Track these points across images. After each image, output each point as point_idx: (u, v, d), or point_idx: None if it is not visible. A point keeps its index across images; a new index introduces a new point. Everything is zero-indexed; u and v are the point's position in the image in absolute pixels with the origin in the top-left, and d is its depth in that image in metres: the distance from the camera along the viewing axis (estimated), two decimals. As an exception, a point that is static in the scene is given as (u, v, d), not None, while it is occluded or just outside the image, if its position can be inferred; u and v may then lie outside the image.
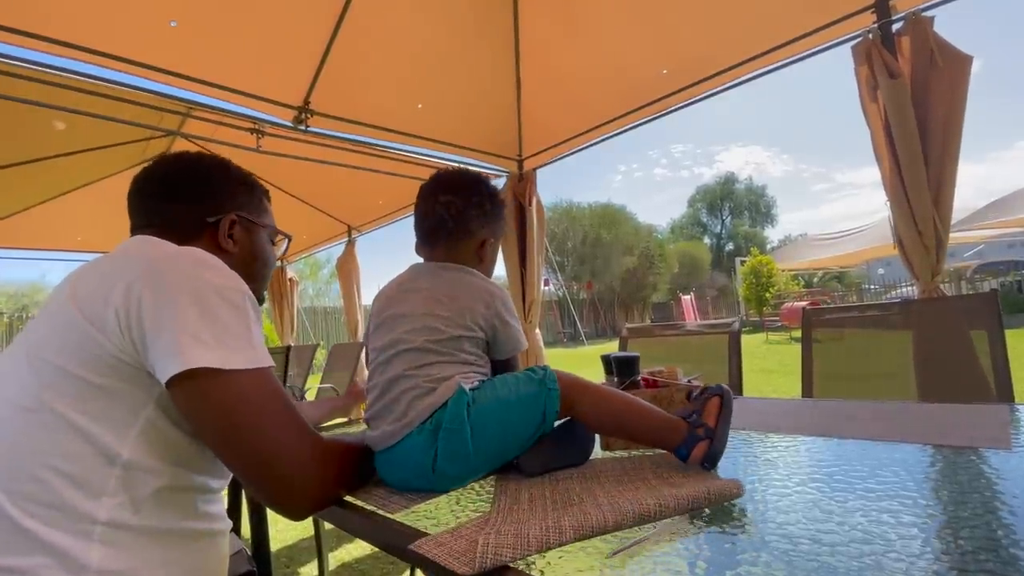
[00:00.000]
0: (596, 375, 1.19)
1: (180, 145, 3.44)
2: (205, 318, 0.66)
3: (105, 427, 0.65)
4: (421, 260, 1.07)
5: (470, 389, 0.83)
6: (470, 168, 1.14)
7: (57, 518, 0.61)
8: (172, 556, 0.69)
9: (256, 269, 0.96)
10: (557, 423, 0.87)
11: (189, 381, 0.64)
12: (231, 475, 0.80)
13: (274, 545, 2.60)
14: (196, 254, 0.73)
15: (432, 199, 1.03)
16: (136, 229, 0.87)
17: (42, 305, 0.75)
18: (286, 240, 1.07)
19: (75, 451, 0.63)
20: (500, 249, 1.13)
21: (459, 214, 1.01)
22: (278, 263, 1.22)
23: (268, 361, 0.71)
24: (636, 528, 0.61)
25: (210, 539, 0.76)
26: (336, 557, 2.51)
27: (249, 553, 1.41)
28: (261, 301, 0.98)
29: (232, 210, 0.91)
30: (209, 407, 0.66)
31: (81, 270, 0.75)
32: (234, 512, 1.63)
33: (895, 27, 2.01)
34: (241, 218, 0.93)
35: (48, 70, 2.14)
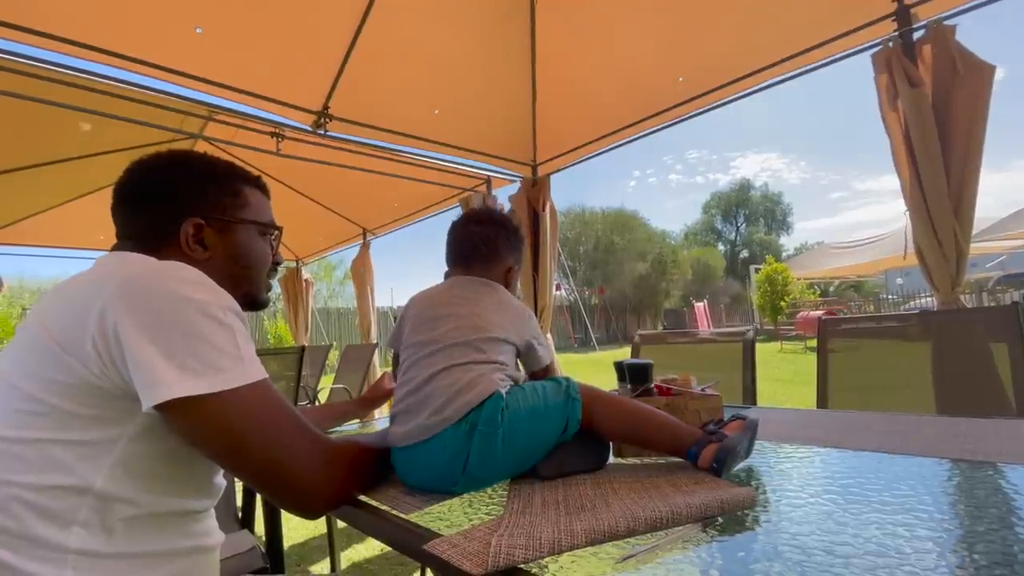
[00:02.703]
0: (608, 381, 1.20)
1: (202, 148, 3.51)
2: (188, 340, 0.63)
3: (79, 456, 0.62)
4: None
5: (504, 393, 0.87)
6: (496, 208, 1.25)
7: (27, 547, 0.59)
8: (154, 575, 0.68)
9: (239, 272, 0.86)
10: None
11: (181, 409, 0.62)
12: (218, 496, 0.80)
13: (286, 543, 2.63)
14: (172, 269, 0.69)
15: (465, 229, 1.16)
16: (117, 239, 0.83)
17: (15, 331, 0.70)
18: (279, 232, 0.96)
19: (46, 482, 0.61)
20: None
21: (491, 242, 1.14)
22: (286, 263, 1.09)
23: (261, 374, 0.69)
24: (648, 534, 0.61)
25: (197, 555, 0.74)
26: (347, 556, 2.53)
27: (263, 550, 1.44)
28: (260, 305, 0.92)
29: (197, 213, 0.82)
30: (208, 431, 0.65)
31: (51, 294, 0.71)
32: (248, 509, 1.65)
33: (916, 35, 1.99)
34: (211, 219, 0.84)
35: (75, 73, 2.20)
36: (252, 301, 0.90)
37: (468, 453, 0.82)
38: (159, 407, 0.61)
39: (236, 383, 0.65)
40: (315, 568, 2.46)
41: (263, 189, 0.95)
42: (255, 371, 0.69)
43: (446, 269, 1.20)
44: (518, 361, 1.07)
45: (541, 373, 1.11)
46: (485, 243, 1.14)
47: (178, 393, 0.61)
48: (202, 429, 0.65)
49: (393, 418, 0.95)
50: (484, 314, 0.99)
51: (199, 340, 0.64)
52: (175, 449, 0.69)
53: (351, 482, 0.81)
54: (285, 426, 0.70)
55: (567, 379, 0.93)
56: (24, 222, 4.28)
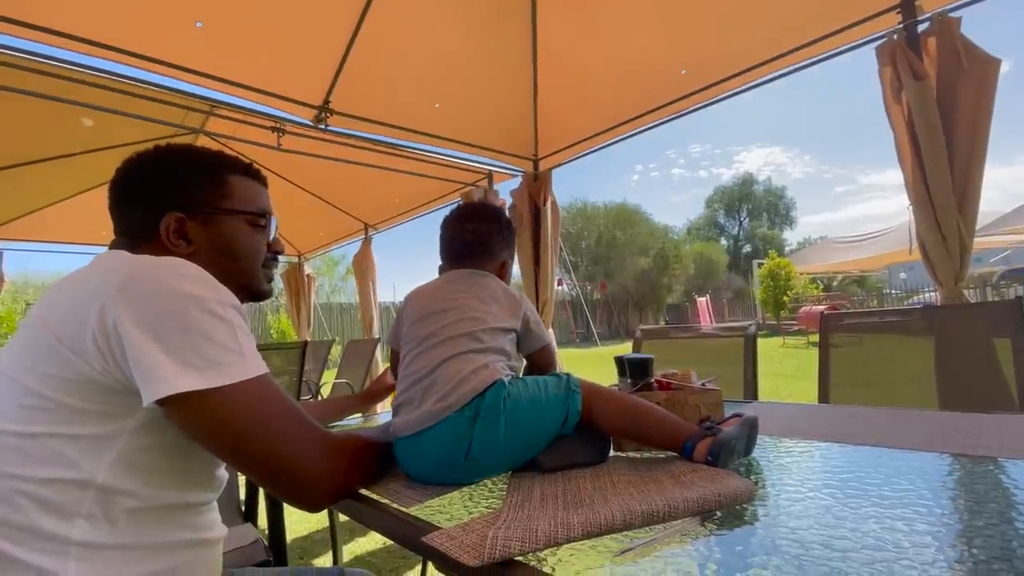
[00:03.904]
0: (609, 376, 1.20)
1: (203, 143, 3.51)
2: (188, 336, 0.63)
3: (81, 450, 0.62)
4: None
5: (507, 383, 0.89)
6: (487, 202, 1.24)
7: (29, 539, 0.60)
8: (156, 567, 0.68)
9: (228, 264, 0.84)
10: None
11: (181, 405, 0.62)
12: (220, 489, 0.80)
13: (289, 536, 2.65)
14: (171, 266, 0.68)
15: (459, 226, 1.17)
16: (115, 235, 0.84)
17: (19, 326, 0.71)
18: (270, 220, 0.91)
19: (48, 475, 0.61)
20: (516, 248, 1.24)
21: (485, 239, 1.15)
22: (288, 259, 1.06)
23: (262, 368, 0.69)
24: (647, 528, 0.61)
25: (199, 548, 0.74)
26: (349, 550, 2.55)
27: (265, 543, 1.45)
28: (260, 295, 0.90)
29: (177, 206, 0.81)
30: (209, 426, 0.65)
31: (52, 289, 0.71)
32: (251, 503, 1.66)
33: (921, 27, 1.97)
34: (193, 211, 0.82)
35: (78, 68, 2.21)
36: (251, 293, 0.89)
37: (471, 439, 0.83)
38: (160, 402, 0.62)
39: (237, 378, 0.65)
40: (317, 561, 2.48)
41: (254, 176, 0.91)
42: (256, 366, 0.68)
43: (439, 263, 1.21)
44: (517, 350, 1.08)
45: (541, 353, 1.13)
46: (480, 241, 1.15)
47: (179, 388, 0.61)
48: (203, 424, 0.65)
49: (396, 410, 0.96)
50: (482, 306, 1.01)
51: (199, 336, 0.64)
52: (176, 443, 0.69)
53: (353, 475, 0.81)
54: (286, 420, 0.70)
55: (567, 374, 0.94)
56: (28, 217, 4.29)
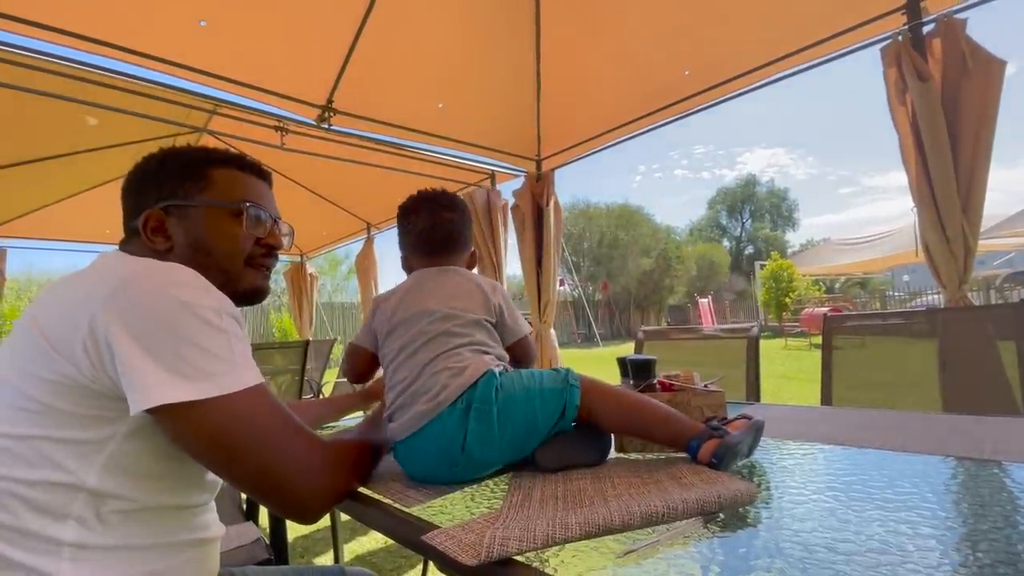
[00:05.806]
0: (611, 377, 1.19)
1: (207, 142, 3.51)
2: (178, 344, 0.62)
3: (71, 454, 0.62)
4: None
5: (498, 373, 0.87)
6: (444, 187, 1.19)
7: (21, 540, 0.59)
8: (152, 568, 0.67)
9: (204, 260, 0.79)
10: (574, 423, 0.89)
11: (170, 414, 0.61)
12: (216, 490, 0.79)
13: (290, 535, 2.65)
14: (164, 271, 0.67)
15: (438, 217, 1.10)
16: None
17: (14, 326, 0.70)
18: (252, 210, 0.84)
19: (38, 477, 0.61)
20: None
21: (461, 230, 1.12)
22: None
23: (255, 378, 0.67)
24: (650, 529, 0.61)
25: (196, 548, 0.74)
26: (350, 549, 2.55)
27: (267, 541, 1.45)
28: (246, 296, 0.85)
29: (157, 202, 0.79)
30: (198, 437, 0.63)
31: (47, 291, 0.70)
32: (253, 501, 1.66)
33: (926, 29, 1.97)
34: (171, 206, 0.79)
35: (82, 67, 2.21)
36: (234, 293, 0.81)
37: (465, 432, 0.83)
38: (150, 412, 0.61)
39: (228, 389, 0.63)
40: (319, 560, 2.48)
41: (245, 168, 0.87)
42: (249, 376, 0.66)
43: (402, 255, 1.14)
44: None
45: (518, 346, 1.06)
46: (457, 232, 1.10)
47: (167, 399, 0.60)
48: (192, 435, 0.63)
49: (390, 418, 0.95)
50: (457, 303, 0.98)
51: (189, 344, 0.62)
52: (170, 448, 0.68)
53: (350, 481, 0.80)
54: (280, 433, 0.68)
55: (567, 369, 0.93)
56: (32, 215, 4.30)
